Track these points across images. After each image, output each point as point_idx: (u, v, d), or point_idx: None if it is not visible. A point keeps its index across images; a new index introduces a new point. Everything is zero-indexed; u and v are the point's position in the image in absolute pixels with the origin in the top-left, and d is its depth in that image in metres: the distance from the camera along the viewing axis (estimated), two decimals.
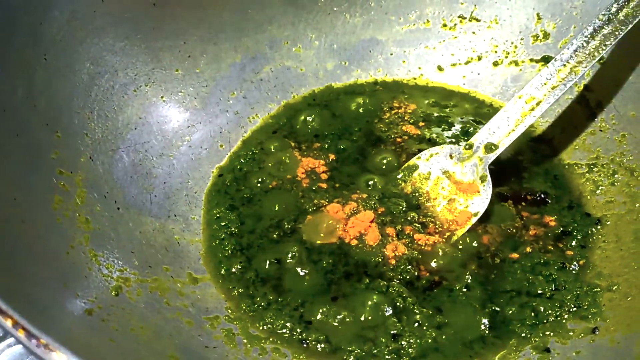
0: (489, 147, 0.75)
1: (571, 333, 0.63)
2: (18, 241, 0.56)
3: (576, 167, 0.80)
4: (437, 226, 0.73)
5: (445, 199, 0.75)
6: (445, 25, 0.94)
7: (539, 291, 0.67)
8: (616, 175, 0.76)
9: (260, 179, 0.79)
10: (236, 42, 0.89)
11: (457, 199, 0.75)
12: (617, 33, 0.73)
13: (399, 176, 0.78)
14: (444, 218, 0.74)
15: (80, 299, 0.55)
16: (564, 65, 0.75)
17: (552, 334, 0.63)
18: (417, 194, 0.76)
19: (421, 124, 0.86)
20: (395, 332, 0.64)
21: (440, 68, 0.94)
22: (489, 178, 0.74)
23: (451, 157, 0.77)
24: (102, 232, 0.66)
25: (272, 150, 0.83)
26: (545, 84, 0.75)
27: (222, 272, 0.71)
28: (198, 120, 0.85)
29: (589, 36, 0.74)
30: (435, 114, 0.88)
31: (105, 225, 0.67)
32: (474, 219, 0.73)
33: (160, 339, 0.58)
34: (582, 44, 0.75)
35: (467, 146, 0.77)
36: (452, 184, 0.76)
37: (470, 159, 0.76)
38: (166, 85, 0.84)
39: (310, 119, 0.87)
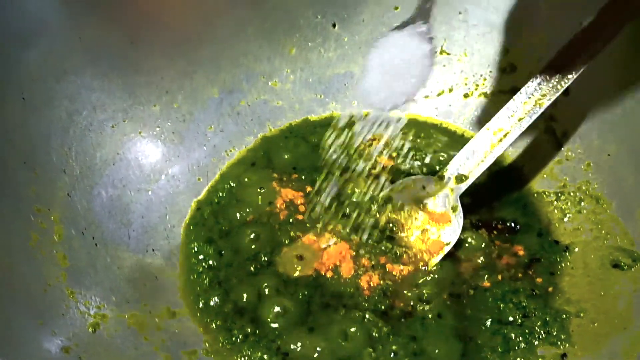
0: (460, 178, 0.77)
1: (541, 359, 0.64)
2: None
3: (544, 196, 0.82)
4: (410, 256, 0.75)
5: (418, 229, 0.77)
6: None
7: (510, 319, 0.68)
8: (582, 203, 0.79)
9: (238, 212, 0.81)
10: (213, 76, 0.91)
11: (429, 229, 0.77)
12: (578, 67, 0.76)
13: (373, 207, 0.80)
14: (418, 248, 0.76)
15: (57, 336, 0.56)
16: (529, 97, 0.78)
17: None
18: (390, 225, 0.78)
19: (394, 154, 0.89)
20: None
21: (413, 100, 0.96)
22: (460, 208, 0.77)
23: (424, 188, 0.79)
24: (80, 269, 0.66)
25: (250, 182, 0.84)
26: (511, 116, 0.78)
27: (200, 306, 0.71)
28: (176, 155, 0.86)
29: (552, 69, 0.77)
30: (409, 146, 0.90)
31: (83, 261, 0.67)
32: (447, 248, 0.75)
33: None
34: (546, 77, 0.78)
35: (439, 177, 0.79)
36: (425, 214, 0.78)
37: (441, 189, 0.78)
38: (144, 121, 0.85)
39: (288, 152, 0.89)
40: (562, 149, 0.84)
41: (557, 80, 0.76)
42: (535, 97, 0.77)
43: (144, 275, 0.73)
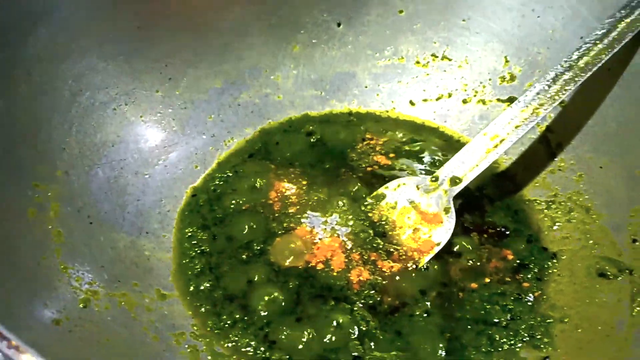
0: (454, 180, 0.78)
1: None
2: None
3: (536, 203, 0.83)
4: (401, 254, 0.76)
5: (410, 228, 0.78)
6: (418, 62, 0.98)
7: (495, 320, 0.70)
8: (572, 213, 0.80)
9: (233, 201, 0.81)
10: (217, 67, 0.92)
11: (421, 229, 0.78)
12: (577, 79, 0.78)
13: (367, 204, 0.81)
14: (409, 246, 0.77)
15: (49, 309, 0.56)
16: (527, 106, 0.79)
17: None
18: (383, 222, 0.79)
19: (392, 155, 0.90)
20: (356, 354, 0.66)
21: (412, 102, 0.98)
22: (452, 210, 0.78)
23: (418, 188, 0.80)
24: (74, 246, 0.67)
25: (247, 173, 0.85)
26: (509, 123, 0.79)
27: (191, 290, 0.72)
28: (175, 141, 0.87)
29: (550, 80, 0.79)
30: (406, 147, 0.92)
31: (77, 239, 0.68)
32: (437, 248, 0.76)
33: (126, 352, 0.59)
34: (544, 87, 0.79)
35: (433, 178, 0.80)
36: (418, 214, 0.79)
37: (435, 190, 0.79)
38: (146, 106, 0.86)
39: (285, 145, 0.90)
40: (555, 159, 0.86)
41: (555, 91, 0.78)
42: (532, 105, 0.78)
43: (137, 256, 0.73)
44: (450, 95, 0.97)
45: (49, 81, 0.74)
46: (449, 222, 0.77)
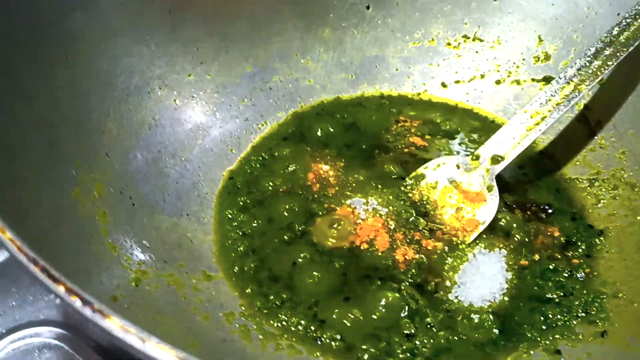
0: (496, 159, 0.77)
1: (581, 337, 0.64)
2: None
3: (577, 182, 0.82)
4: (445, 233, 0.75)
5: (453, 207, 0.77)
6: (449, 44, 0.97)
7: (548, 296, 0.68)
8: (617, 190, 0.79)
9: (270, 183, 0.80)
10: (247, 52, 0.91)
11: (464, 208, 0.77)
12: (618, 54, 0.77)
13: (407, 184, 0.80)
14: (452, 225, 0.75)
15: (105, 285, 0.56)
16: (568, 83, 0.78)
17: (561, 337, 0.65)
18: (425, 202, 0.78)
19: (427, 136, 0.89)
20: (408, 332, 0.65)
21: (444, 85, 0.97)
22: (495, 188, 0.76)
23: (458, 167, 0.79)
24: (120, 226, 0.66)
25: (283, 155, 0.84)
26: (549, 100, 0.78)
27: (235, 271, 0.71)
28: (209, 125, 0.86)
29: (591, 56, 0.78)
30: (441, 128, 0.91)
31: (122, 220, 0.67)
32: (482, 227, 0.74)
33: (181, 329, 0.58)
34: (585, 63, 0.78)
35: (474, 157, 0.79)
36: (460, 193, 0.78)
37: (476, 169, 0.78)
38: (179, 90, 0.85)
39: (319, 128, 0.89)
40: (595, 137, 0.85)
41: (596, 67, 0.76)
42: (574, 82, 0.77)
43: (180, 238, 0.72)
44: (483, 77, 0.96)
45: (86, 64, 0.73)
46: (493, 201, 0.76)
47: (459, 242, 0.74)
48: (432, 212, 0.77)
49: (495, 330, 0.65)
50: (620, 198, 0.78)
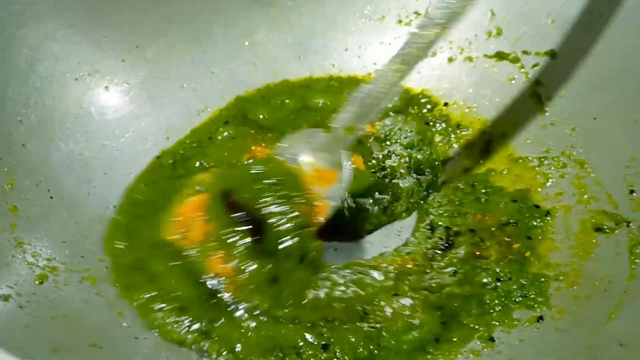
0: (348, 129, 0.69)
1: (516, 322, 0.61)
2: None
3: (527, 160, 0.79)
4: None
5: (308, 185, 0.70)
6: (400, 21, 0.93)
7: (484, 281, 0.65)
8: (566, 168, 0.75)
9: (199, 162, 0.77)
10: (187, 34, 0.87)
11: (317, 187, 0.70)
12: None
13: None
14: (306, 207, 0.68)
15: None
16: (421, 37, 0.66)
17: (498, 323, 0.62)
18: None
19: (378, 123, 0.85)
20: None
21: None
22: (348, 162, 0.70)
23: (311, 142, 0.72)
24: (32, 220, 0.63)
25: (222, 139, 0.81)
26: (403, 60, 0.68)
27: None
28: (144, 112, 0.83)
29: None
30: (391, 111, 0.87)
31: (35, 213, 0.64)
32: (333, 206, 0.69)
33: (85, 328, 0.55)
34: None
35: (326, 129, 0.71)
36: (314, 171, 0.71)
37: (330, 141, 0.71)
38: (111, 76, 0.81)
39: (264, 112, 0.86)
40: (547, 114, 0.81)
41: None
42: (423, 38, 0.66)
43: (104, 231, 0.69)
44: (434, 55, 0.92)
45: (4, 49, 0.70)
46: (344, 175, 0.69)
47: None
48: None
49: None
50: (569, 176, 0.75)
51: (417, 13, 0.93)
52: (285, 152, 0.73)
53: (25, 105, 0.70)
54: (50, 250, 0.62)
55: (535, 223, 0.71)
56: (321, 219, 0.68)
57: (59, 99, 0.75)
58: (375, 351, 0.59)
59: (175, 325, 0.59)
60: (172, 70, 0.86)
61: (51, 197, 0.67)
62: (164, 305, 0.60)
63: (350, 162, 0.70)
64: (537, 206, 0.73)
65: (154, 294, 0.61)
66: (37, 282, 0.57)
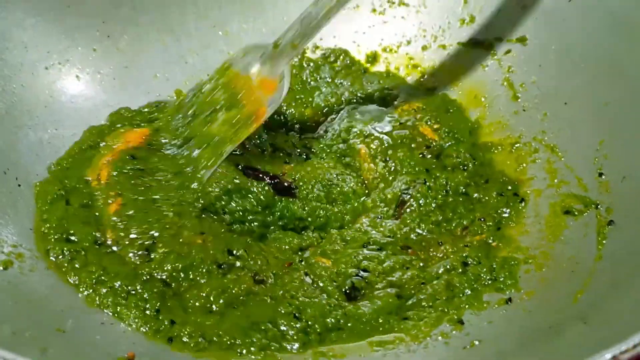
0: (292, 46, 0.74)
1: (486, 304, 0.61)
2: None
3: (500, 147, 0.79)
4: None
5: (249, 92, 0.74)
6: (374, 10, 0.93)
7: (453, 264, 0.65)
8: (538, 153, 0.76)
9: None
10: (160, 23, 0.87)
11: (258, 92, 0.74)
12: None
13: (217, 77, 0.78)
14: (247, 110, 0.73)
15: None
16: None
17: (467, 306, 0.62)
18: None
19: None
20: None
21: (370, 53, 0.93)
22: (287, 74, 0.74)
23: (261, 55, 0.76)
24: None
25: None
26: None
27: None
28: (117, 101, 0.82)
29: None
30: (362, 96, 0.87)
31: (1, 201, 0.63)
32: (268, 112, 0.73)
33: (49, 313, 0.54)
34: None
35: (275, 45, 0.76)
36: (257, 80, 0.75)
37: (278, 56, 0.75)
38: (82, 65, 0.81)
39: None
40: (519, 100, 0.82)
41: None
42: None
43: None
44: (409, 43, 0.92)
45: None
46: (284, 86, 0.74)
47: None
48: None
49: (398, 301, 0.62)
50: (540, 161, 0.75)
51: (390, 2, 0.93)
52: (238, 61, 0.77)
53: None
54: (17, 237, 0.61)
55: (508, 208, 0.71)
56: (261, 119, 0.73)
57: (29, 88, 0.74)
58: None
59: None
60: (145, 59, 0.86)
61: (19, 185, 0.67)
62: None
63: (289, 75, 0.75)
64: (513, 192, 0.73)
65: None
66: (0, 268, 0.57)
